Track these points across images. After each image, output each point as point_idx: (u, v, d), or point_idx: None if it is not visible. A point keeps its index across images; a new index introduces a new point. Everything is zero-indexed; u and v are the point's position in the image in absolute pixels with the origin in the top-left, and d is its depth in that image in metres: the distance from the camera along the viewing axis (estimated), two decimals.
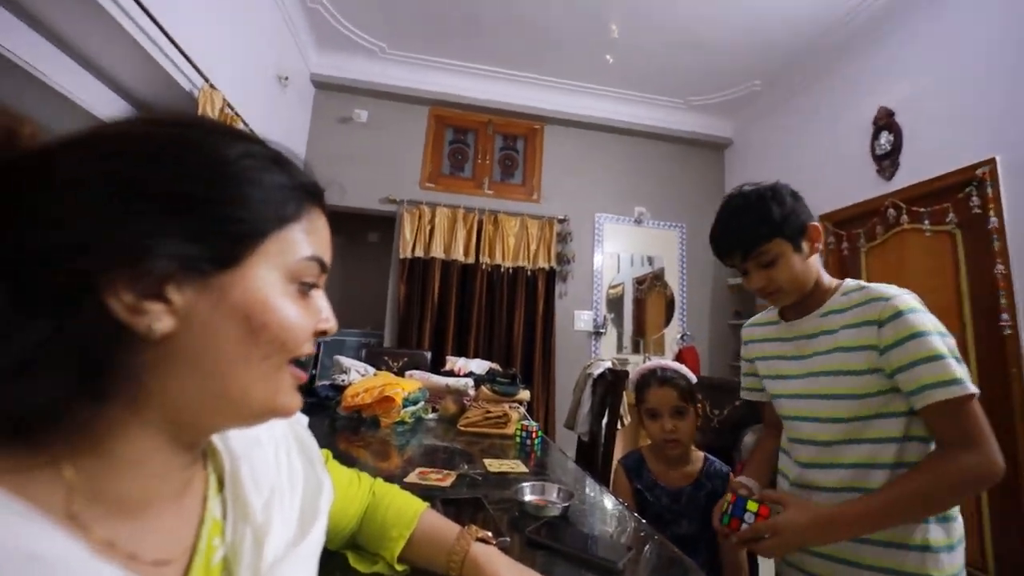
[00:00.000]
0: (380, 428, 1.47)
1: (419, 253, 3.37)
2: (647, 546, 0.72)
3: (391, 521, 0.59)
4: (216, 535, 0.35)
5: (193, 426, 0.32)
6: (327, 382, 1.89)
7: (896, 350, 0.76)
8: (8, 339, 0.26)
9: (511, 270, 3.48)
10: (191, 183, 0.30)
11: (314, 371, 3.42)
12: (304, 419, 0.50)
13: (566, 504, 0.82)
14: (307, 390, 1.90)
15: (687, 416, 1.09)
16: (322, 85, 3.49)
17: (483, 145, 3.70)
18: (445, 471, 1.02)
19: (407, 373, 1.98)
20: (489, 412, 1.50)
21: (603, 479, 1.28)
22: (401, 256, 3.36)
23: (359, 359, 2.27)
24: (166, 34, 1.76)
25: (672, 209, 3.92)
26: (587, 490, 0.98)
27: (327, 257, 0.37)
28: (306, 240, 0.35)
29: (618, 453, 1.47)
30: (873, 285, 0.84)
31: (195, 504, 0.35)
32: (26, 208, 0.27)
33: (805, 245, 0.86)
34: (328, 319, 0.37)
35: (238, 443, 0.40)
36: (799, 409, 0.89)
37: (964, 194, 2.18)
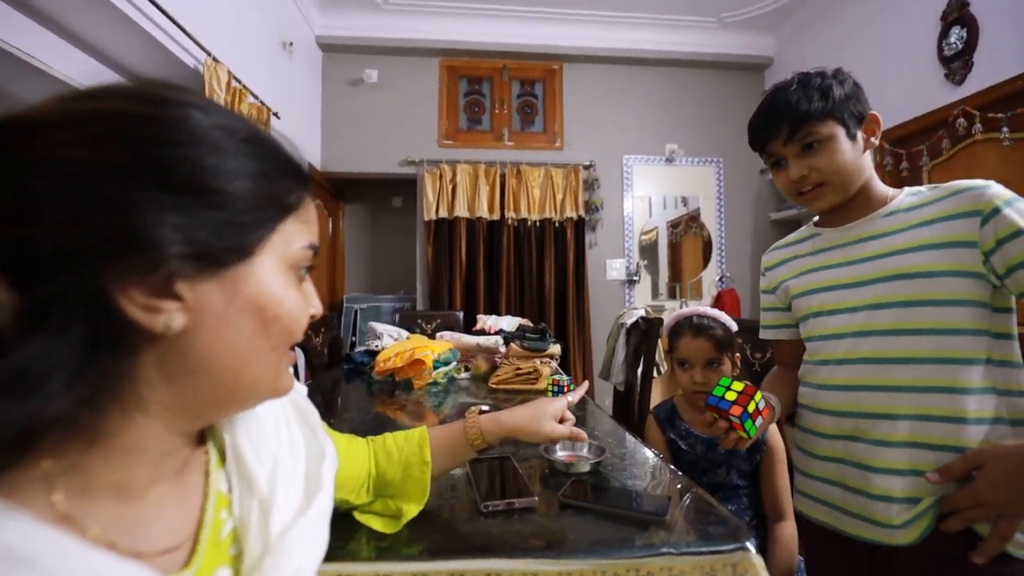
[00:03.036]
0: (413, 390, 1.49)
1: (443, 214, 3.32)
2: (686, 497, 0.68)
3: (408, 452, 0.61)
4: (223, 508, 0.35)
5: (198, 416, 0.33)
6: (363, 348, 1.93)
7: (1013, 243, 0.64)
8: (17, 353, 0.23)
9: (538, 223, 3.39)
10: (200, 171, 0.28)
11: (353, 338, 3.53)
12: (303, 388, 0.48)
13: (597, 459, 0.79)
14: (344, 357, 1.95)
15: (721, 367, 1.03)
16: (328, 47, 3.38)
17: (499, 93, 3.52)
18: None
19: (438, 335, 1.99)
20: (519, 368, 1.48)
21: (639, 430, 1.26)
22: (426, 218, 3.33)
23: (393, 324, 2.31)
24: (164, 12, 1.71)
25: (707, 143, 3.64)
26: (621, 442, 0.95)
27: (317, 242, 0.37)
28: (303, 228, 0.35)
29: (655, 402, 1.44)
30: (947, 183, 0.73)
31: (197, 480, 0.35)
32: (14, 202, 0.23)
33: (860, 136, 0.76)
34: (317, 305, 0.38)
35: (237, 416, 0.38)
36: (849, 324, 0.77)
37: None
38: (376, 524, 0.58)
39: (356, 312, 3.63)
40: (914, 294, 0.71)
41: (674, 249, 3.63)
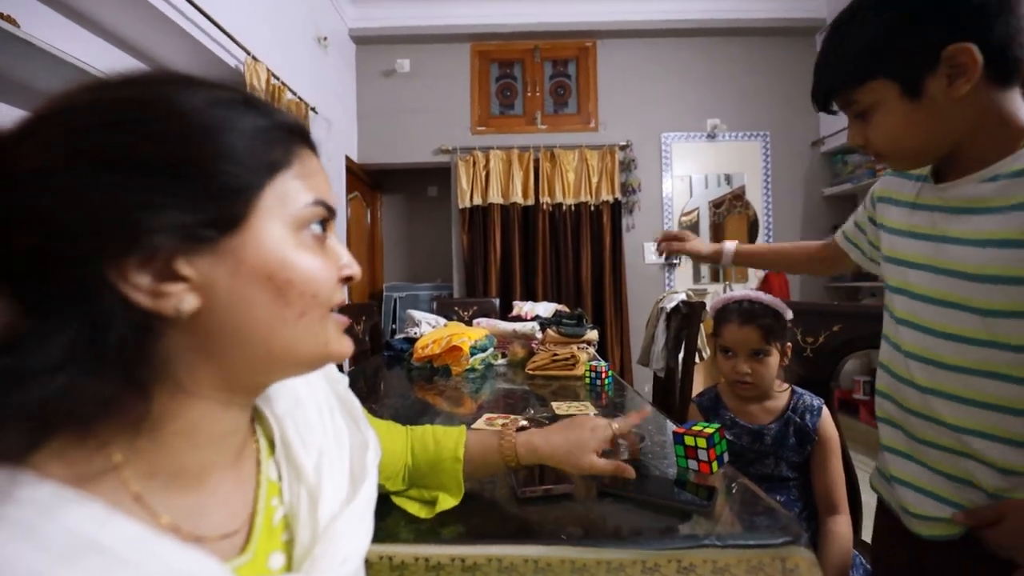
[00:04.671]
0: (452, 376, 1.51)
1: (477, 201, 3.32)
2: (732, 487, 0.66)
3: (444, 446, 0.61)
4: (274, 495, 0.36)
5: (245, 388, 0.33)
6: (402, 335, 1.98)
7: None
8: (32, 346, 0.24)
9: (573, 207, 3.33)
10: (165, 145, 0.27)
11: (393, 325, 3.62)
12: (344, 379, 0.49)
13: (637, 446, 0.77)
14: (384, 344, 2.01)
15: (767, 358, 0.97)
16: (361, 39, 3.41)
17: (531, 76, 3.46)
18: (513, 416, 1.01)
19: (474, 321, 2.00)
20: (556, 354, 1.47)
21: (681, 417, 1.22)
22: (460, 206, 3.34)
23: (431, 311, 2.35)
24: (204, 14, 1.77)
25: (752, 117, 3.44)
26: (661, 430, 0.93)
27: (330, 199, 0.34)
28: (303, 185, 0.32)
29: (698, 387, 1.39)
30: None
31: (250, 468, 0.36)
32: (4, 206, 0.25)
33: (935, 85, 0.53)
34: (349, 264, 0.36)
35: (281, 406, 0.40)
36: (915, 314, 0.63)
37: None
38: (412, 508, 0.60)
39: (395, 300, 3.71)
40: (999, 303, 0.54)
41: (717, 230, 3.48)
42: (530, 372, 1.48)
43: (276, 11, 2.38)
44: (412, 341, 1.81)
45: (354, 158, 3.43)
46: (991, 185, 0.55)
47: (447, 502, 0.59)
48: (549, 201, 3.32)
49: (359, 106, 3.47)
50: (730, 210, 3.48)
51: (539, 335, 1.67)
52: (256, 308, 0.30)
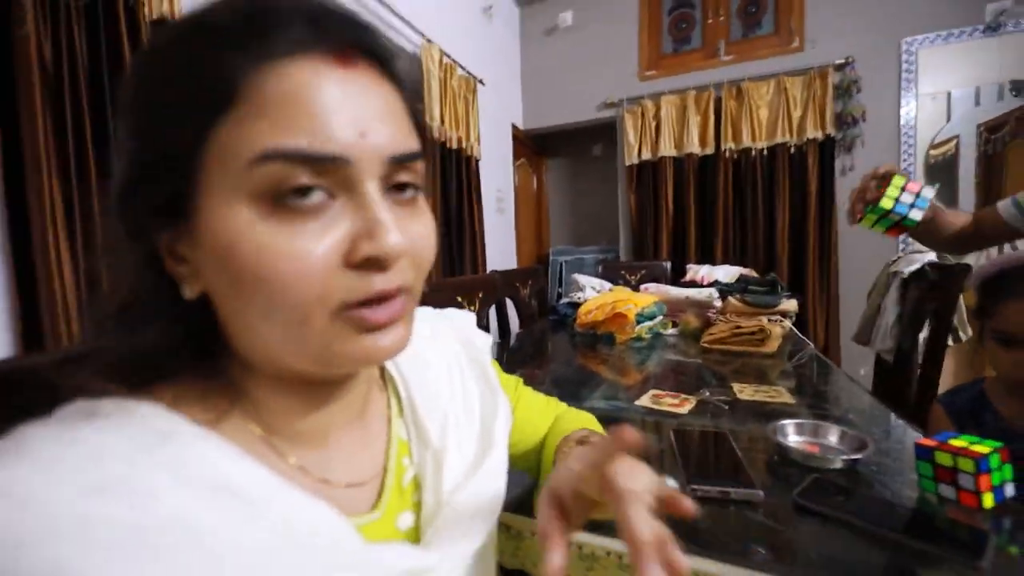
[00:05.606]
0: (615, 344, 1.43)
1: (646, 156, 3.06)
2: (1020, 536, 0.45)
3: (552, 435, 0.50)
4: (404, 455, 0.36)
5: (292, 374, 0.28)
6: (566, 300, 1.97)
7: None
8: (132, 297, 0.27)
9: (765, 151, 2.80)
10: (127, 112, 0.26)
11: (559, 289, 3.68)
12: (483, 340, 0.47)
13: (855, 456, 0.60)
14: (550, 308, 2.03)
15: None
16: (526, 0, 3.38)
17: None
18: (684, 395, 0.90)
19: (642, 287, 1.87)
20: (740, 327, 1.26)
21: (920, 420, 0.92)
22: (627, 163, 3.12)
23: (596, 276, 2.29)
24: (386, 5, 1.95)
25: None
26: (889, 434, 0.70)
27: (319, 139, 0.23)
28: (255, 130, 0.23)
29: (946, 383, 1.03)
30: None
31: (380, 427, 0.36)
32: None
33: None
34: (375, 236, 0.24)
35: (408, 367, 0.39)
36: None
37: None
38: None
39: (561, 264, 3.75)
40: None
41: (990, 163, 2.51)
42: (706, 345, 1.30)
43: None
44: (576, 306, 1.78)
45: (520, 125, 3.49)
46: None
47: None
48: (733, 147, 2.85)
49: (523, 71, 3.48)
50: (1016, 134, 2.46)
51: (718, 303, 1.46)
52: (226, 302, 0.26)
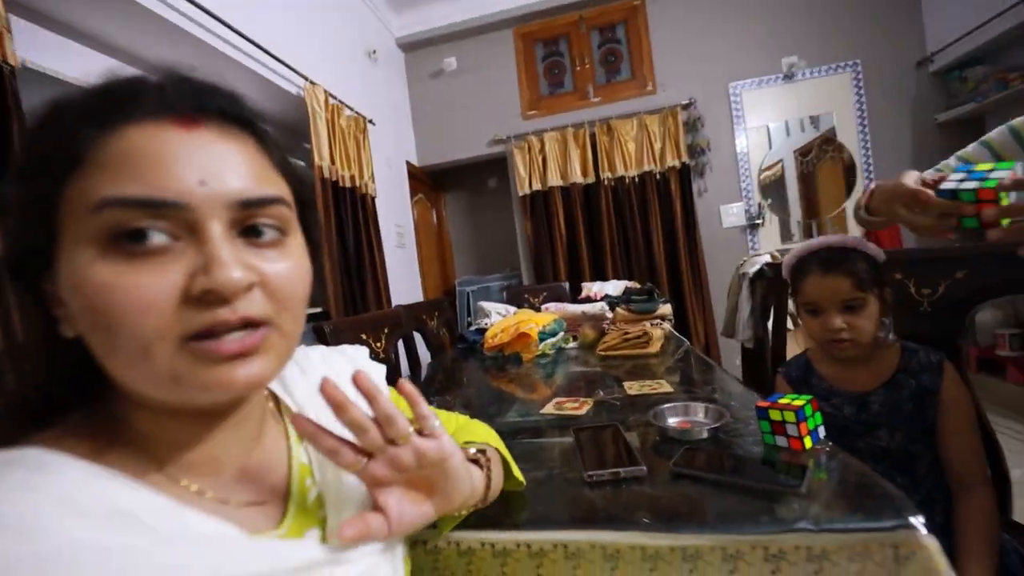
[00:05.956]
0: (523, 363, 1.51)
1: (536, 186, 3.29)
2: (830, 465, 0.58)
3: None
4: (307, 476, 0.38)
5: (167, 406, 0.29)
6: (474, 327, 2.02)
7: None
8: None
9: (636, 178, 3.18)
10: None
11: (469, 318, 3.73)
12: (376, 367, 0.50)
13: (716, 424, 0.71)
14: (458, 337, 2.07)
15: (865, 309, 0.83)
16: (408, 46, 3.50)
17: (578, 49, 3.33)
18: (582, 399, 0.99)
19: (543, 307, 1.99)
20: (627, 333, 1.41)
21: (770, 391, 1.11)
22: (520, 194, 3.33)
23: (502, 302, 2.37)
24: (267, 52, 1.92)
25: (837, 46, 3.02)
26: (746, 405, 0.85)
27: (153, 188, 0.26)
28: (98, 183, 0.26)
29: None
30: None
31: (280, 453, 0.38)
32: None
33: None
34: (210, 269, 0.26)
35: (300, 393, 0.41)
36: None
37: None
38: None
39: (468, 294, 3.81)
40: None
41: (807, 181, 3.12)
42: (601, 354, 1.43)
43: (327, 34, 2.52)
44: (484, 332, 1.84)
45: (415, 162, 3.55)
46: None
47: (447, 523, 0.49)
48: (610, 176, 3.19)
49: (413, 111, 3.57)
50: (820, 156, 3.10)
51: (609, 315, 1.62)
52: (89, 339, 0.27)
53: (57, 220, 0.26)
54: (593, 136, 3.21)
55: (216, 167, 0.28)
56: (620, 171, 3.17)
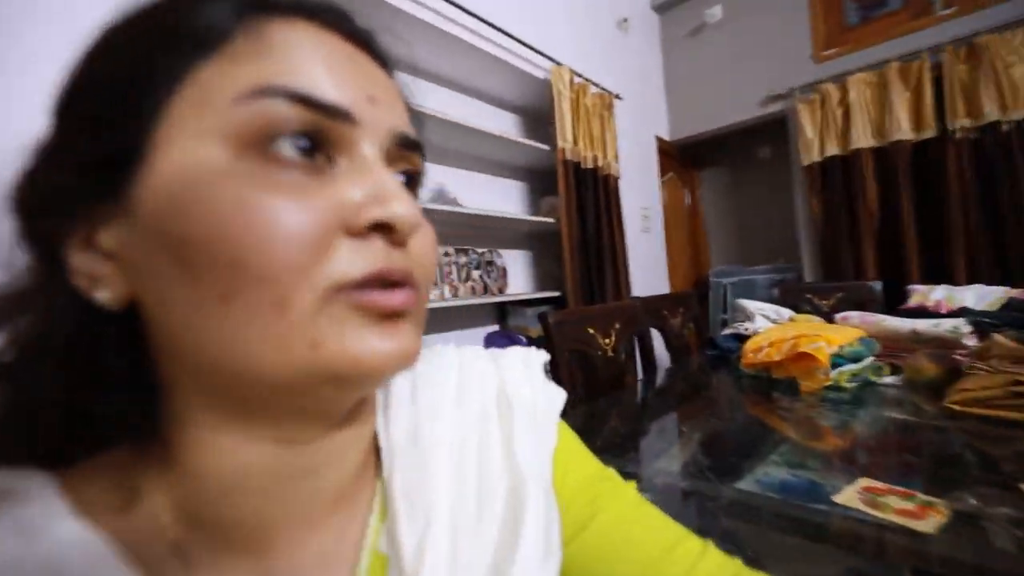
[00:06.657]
0: (800, 394, 1.09)
1: (832, 151, 2.50)
2: None
3: None
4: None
5: (247, 414, 0.21)
6: (729, 331, 1.64)
7: None
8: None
9: (1020, 123, 2.02)
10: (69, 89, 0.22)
11: (724, 316, 3.19)
12: (546, 394, 0.32)
13: None
14: (708, 340, 1.71)
15: None
16: (663, 6, 3.19)
17: None
18: (923, 496, 0.58)
19: (838, 316, 1.45)
20: (1019, 380, 0.82)
21: None
22: (805, 163, 2.60)
23: (771, 300, 1.89)
24: (516, 39, 1.96)
25: None
26: None
27: (325, 87, 0.20)
28: (245, 71, 0.19)
29: None
30: None
31: (353, 535, 0.25)
32: None
33: None
34: (380, 196, 0.20)
35: (399, 430, 0.27)
36: None
37: None
38: None
39: (725, 288, 3.26)
40: None
41: None
42: (954, 407, 0.88)
43: (575, 7, 2.44)
44: (743, 339, 1.46)
45: (665, 137, 3.22)
46: None
47: None
48: (968, 124, 2.14)
49: (667, 79, 3.27)
50: None
51: (971, 341, 1.02)
52: (169, 294, 0.19)
53: (163, 114, 0.20)
54: (938, 68, 2.20)
55: (380, 91, 0.23)
56: (990, 115, 2.08)
